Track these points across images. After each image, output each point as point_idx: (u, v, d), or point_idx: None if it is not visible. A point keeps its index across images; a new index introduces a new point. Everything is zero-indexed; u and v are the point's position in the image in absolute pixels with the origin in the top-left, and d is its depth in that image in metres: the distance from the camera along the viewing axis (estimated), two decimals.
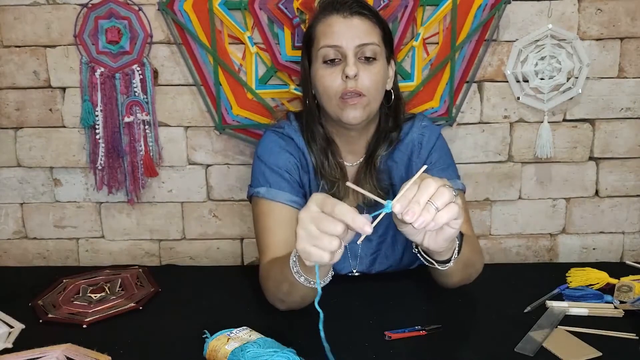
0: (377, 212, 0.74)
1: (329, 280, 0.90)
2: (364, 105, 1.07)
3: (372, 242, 1.20)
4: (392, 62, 1.15)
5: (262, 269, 1.08)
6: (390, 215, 1.18)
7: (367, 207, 1.17)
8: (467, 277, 1.06)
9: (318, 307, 0.76)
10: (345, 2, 1.08)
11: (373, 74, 1.06)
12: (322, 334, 0.76)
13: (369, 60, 1.07)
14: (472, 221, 1.52)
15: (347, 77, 1.04)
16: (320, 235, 0.73)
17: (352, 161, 1.18)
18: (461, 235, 0.93)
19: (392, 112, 1.17)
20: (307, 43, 1.12)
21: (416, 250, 0.92)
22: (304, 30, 1.36)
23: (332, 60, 1.07)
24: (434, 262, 0.91)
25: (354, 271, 1.21)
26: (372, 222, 0.72)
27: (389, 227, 1.19)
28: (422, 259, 0.92)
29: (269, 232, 1.09)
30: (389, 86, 1.14)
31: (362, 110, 1.07)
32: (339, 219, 0.72)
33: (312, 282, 0.89)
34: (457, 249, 0.91)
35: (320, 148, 1.14)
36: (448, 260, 0.91)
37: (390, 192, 1.18)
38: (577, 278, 1.19)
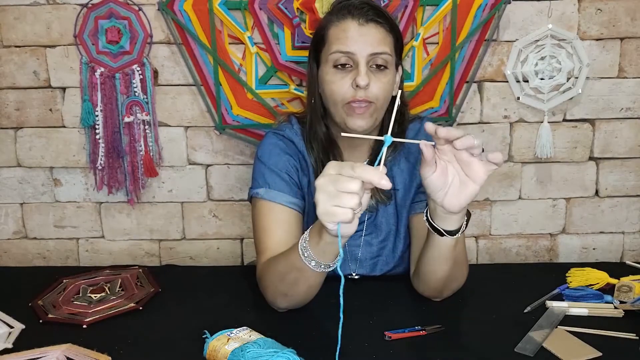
0: (381, 154, 0.78)
1: (340, 262, 0.91)
2: (370, 114, 1.06)
3: (372, 247, 1.20)
4: (400, 68, 1.15)
5: (261, 268, 1.08)
6: (391, 220, 1.18)
7: (368, 211, 1.17)
8: (451, 281, 1.06)
9: (340, 272, 0.79)
10: (362, 8, 1.06)
11: (383, 83, 1.06)
12: (341, 300, 0.79)
13: (380, 68, 1.06)
14: (472, 221, 1.52)
15: (357, 86, 1.03)
16: (339, 194, 0.77)
17: None
18: (468, 214, 0.96)
19: (397, 117, 1.16)
20: (318, 43, 1.11)
21: (425, 218, 0.96)
22: (305, 30, 1.37)
23: (343, 65, 1.05)
24: (441, 231, 0.94)
25: (354, 274, 1.21)
26: (382, 170, 0.77)
27: (390, 233, 1.19)
28: (429, 226, 0.96)
29: (268, 233, 1.09)
30: (394, 92, 1.14)
31: (369, 119, 1.06)
32: (359, 176, 0.76)
33: (322, 266, 0.91)
34: (465, 224, 0.95)
35: (322, 148, 1.14)
36: (453, 233, 0.94)
37: (393, 197, 1.18)
38: (577, 278, 1.19)
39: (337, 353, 0.82)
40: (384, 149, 0.78)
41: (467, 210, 0.95)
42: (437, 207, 0.91)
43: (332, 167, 0.79)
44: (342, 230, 0.79)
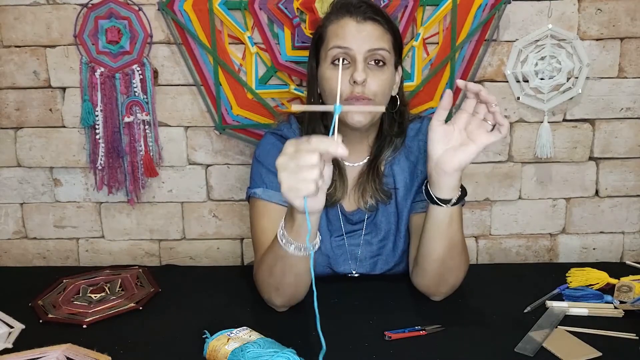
0: (333, 123, 0.79)
1: (318, 245, 0.94)
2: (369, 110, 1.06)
3: (372, 246, 1.20)
4: (400, 68, 1.15)
5: (255, 266, 1.08)
6: (391, 220, 1.18)
7: (369, 211, 1.17)
8: (448, 269, 1.06)
9: (309, 245, 0.83)
10: (360, 6, 1.07)
11: (381, 80, 1.06)
12: (312, 273, 0.78)
13: (377, 65, 1.06)
14: (472, 221, 1.53)
15: (355, 82, 1.04)
16: (300, 169, 0.77)
17: (352, 162, 1.18)
18: (463, 192, 1.02)
19: (398, 117, 1.17)
20: (317, 42, 1.12)
21: (424, 188, 1.03)
22: (305, 30, 1.37)
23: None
24: (434, 198, 1.00)
25: (354, 272, 1.21)
26: (333, 135, 0.78)
27: (390, 232, 1.19)
28: (425, 195, 1.03)
29: (264, 232, 1.09)
30: (394, 92, 1.14)
31: (367, 114, 1.06)
32: (315, 148, 0.76)
33: (301, 249, 0.91)
34: (457, 198, 1.00)
35: None
36: (445, 202, 1.00)
37: (394, 196, 1.18)
38: (577, 278, 1.19)
39: (322, 351, 0.80)
40: (336, 117, 0.78)
41: (463, 188, 1.01)
42: (432, 167, 0.99)
43: (290, 144, 0.79)
44: (309, 205, 0.79)
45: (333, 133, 0.78)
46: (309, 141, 0.77)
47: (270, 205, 1.11)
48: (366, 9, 1.07)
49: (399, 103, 1.16)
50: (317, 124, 1.14)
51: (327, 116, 1.15)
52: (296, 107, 0.83)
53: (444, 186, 0.99)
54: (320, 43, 1.11)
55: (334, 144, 0.76)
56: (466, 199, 1.05)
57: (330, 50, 1.07)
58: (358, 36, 1.05)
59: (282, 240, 0.92)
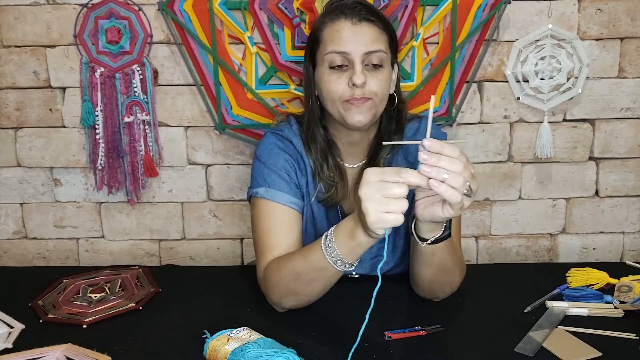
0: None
1: (355, 264, 0.96)
2: (369, 108, 1.06)
3: (372, 247, 1.19)
4: (396, 66, 1.15)
5: (265, 267, 1.07)
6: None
7: None
8: (440, 285, 1.08)
9: (379, 273, 0.82)
10: (355, 7, 1.06)
11: (380, 80, 1.06)
12: (372, 301, 0.82)
13: (375, 67, 1.06)
14: (472, 221, 1.53)
15: (354, 84, 1.04)
16: (389, 201, 0.79)
17: (353, 163, 1.18)
18: (449, 221, 0.95)
19: (395, 115, 1.17)
20: (313, 45, 1.11)
21: (412, 223, 0.96)
22: (305, 30, 1.37)
23: (339, 66, 1.06)
24: (420, 238, 0.95)
25: (354, 273, 1.21)
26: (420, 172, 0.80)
27: (390, 234, 1.19)
28: (412, 233, 0.97)
29: (269, 233, 1.09)
30: (391, 90, 1.14)
31: (367, 113, 1.06)
32: (405, 180, 0.79)
33: (347, 265, 0.94)
34: (434, 239, 0.95)
35: (320, 149, 1.14)
36: (422, 240, 0.95)
37: None
38: (577, 278, 1.19)
39: (352, 352, 0.84)
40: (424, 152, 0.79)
41: (448, 230, 0.95)
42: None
43: (372, 174, 0.81)
44: (399, 223, 0.81)
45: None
46: (399, 174, 0.79)
47: (274, 205, 1.11)
48: (361, 10, 1.06)
49: (396, 101, 1.15)
50: (317, 128, 1.14)
51: (325, 118, 1.15)
52: (387, 143, 0.88)
53: (421, 228, 0.94)
54: (316, 46, 1.10)
55: (424, 177, 0.78)
56: None
57: (327, 55, 1.06)
58: (355, 39, 1.04)
59: (329, 255, 0.93)
